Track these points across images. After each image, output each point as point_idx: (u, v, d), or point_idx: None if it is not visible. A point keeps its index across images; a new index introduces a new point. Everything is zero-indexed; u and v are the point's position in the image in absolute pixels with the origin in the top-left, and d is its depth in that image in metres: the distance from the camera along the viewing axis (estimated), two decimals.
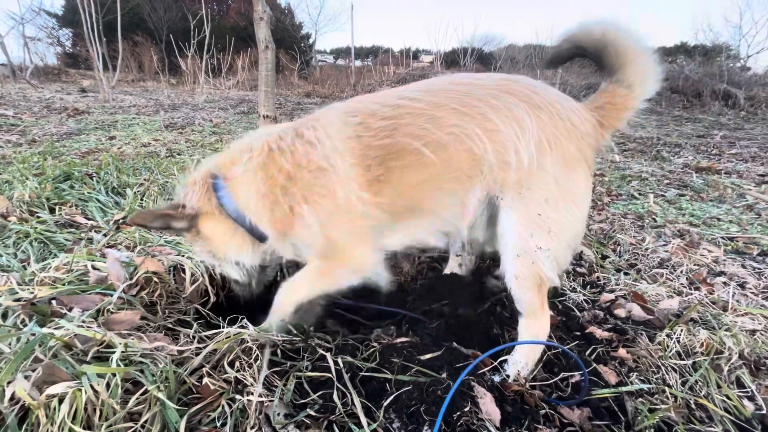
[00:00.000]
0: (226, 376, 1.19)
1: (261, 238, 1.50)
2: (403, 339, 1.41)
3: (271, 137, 1.46)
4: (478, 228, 1.46)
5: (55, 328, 1.25)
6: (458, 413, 1.12)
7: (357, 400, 1.13)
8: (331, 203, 1.36)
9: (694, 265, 2.26)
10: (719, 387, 1.36)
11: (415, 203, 1.41)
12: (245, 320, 1.42)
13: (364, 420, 1.08)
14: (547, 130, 1.32)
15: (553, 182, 1.32)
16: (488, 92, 1.34)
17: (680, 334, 1.56)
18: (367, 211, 1.36)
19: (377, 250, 1.49)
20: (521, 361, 1.39)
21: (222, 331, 1.34)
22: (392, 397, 1.16)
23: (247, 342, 1.30)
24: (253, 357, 1.25)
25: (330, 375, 1.20)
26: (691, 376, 1.41)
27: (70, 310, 1.40)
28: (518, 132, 1.29)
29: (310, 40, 28.04)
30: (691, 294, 1.95)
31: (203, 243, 1.55)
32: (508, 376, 1.37)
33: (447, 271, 2.06)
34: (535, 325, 1.40)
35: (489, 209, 1.40)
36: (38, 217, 2.36)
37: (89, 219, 2.46)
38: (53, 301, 1.45)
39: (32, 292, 1.48)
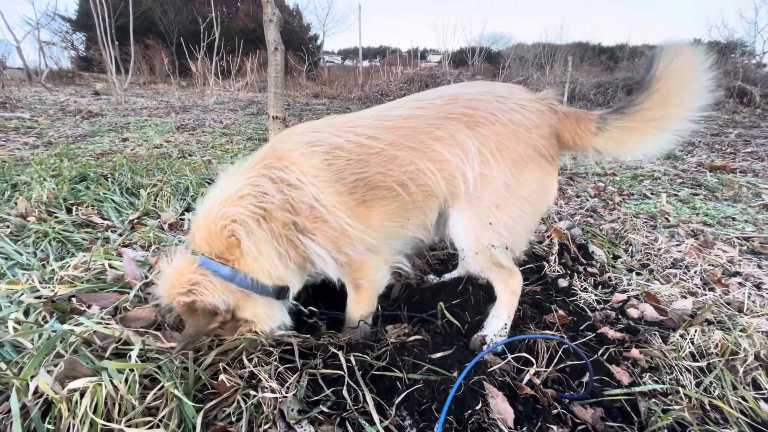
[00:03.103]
0: (241, 372, 1.21)
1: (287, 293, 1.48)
2: (415, 337, 1.41)
3: (254, 200, 1.35)
4: (437, 228, 1.60)
5: (75, 325, 1.29)
6: (469, 411, 1.12)
7: (369, 397, 1.14)
8: (330, 230, 1.39)
9: (709, 265, 2.23)
10: (734, 388, 1.35)
11: (391, 229, 1.52)
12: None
13: (376, 417, 1.09)
14: (489, 142, 1.40)
15: (503, 187, 1.42)
16: (431, 123, 1.43)
17: (694, 335, 1.55)
18: (357, 233, 1.42)
19: (386, 259, 1.56)
20: (503, 315, 1.56)
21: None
22: (404, 395, 1.17)
23: (264, 345, 1.33)
24: (273, 358, 1.28)
25: (342, 372, 1.22)
26: (705, 377, 1.39)
27: (89, 307, 1.44)
28: (463, 157, 1.40)
29: (318, 42, 28.20)
30: (706, 295, 1.92)
31: (243, 329, 1.42)
32: (484, 336, 1.53)
33: (455, 272, 2.06)
34: (511, 283, 1.57)
35: (442, 213, 1.54)
36: (56, 217, 2.42)
37: (105, 219, 2.52)
38: (73, 299, 1.49)
39: (52, 290, 1.52)
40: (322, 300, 1.78)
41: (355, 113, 1.57)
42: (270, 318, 1.44)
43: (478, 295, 1.78)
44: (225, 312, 1.33)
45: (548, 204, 1.57)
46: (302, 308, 1.58)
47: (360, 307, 1.58)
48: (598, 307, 1.86)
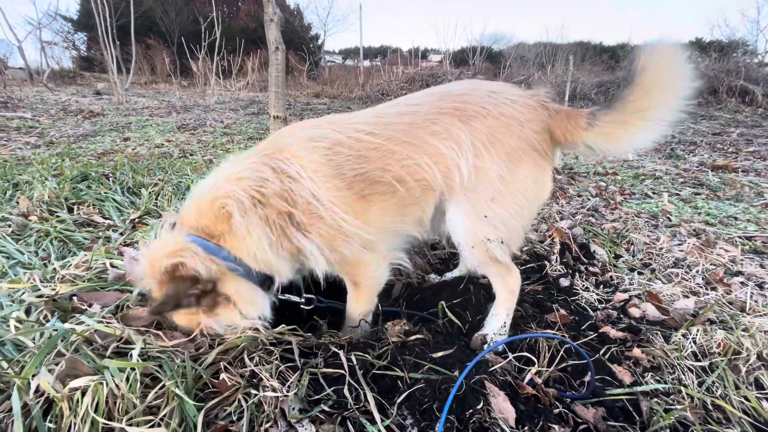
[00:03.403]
0: (242, 371, 1.21)
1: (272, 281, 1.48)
2: (416, 336, 1.41)
3: (252, 183, 1.36)
4: (434, 224, 1.61)
5: (77, 324, 1.29)
6: (471, 411, 1.12)
7: (370, 396, 1.14)
8: (325, 228, 1.39)
9: (711, 264, 2.22)
10: (737, 388, 1.34)
11: (388, 225, 1.51)
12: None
13: (377, 416, 1.09)
14: (482, 135, 1.42)
15: (498, 180, 1.43)
16: (427, 118, 1.46)
17: (696, 335, 1.54)
18: (354, 229, 1.42)
19: (384, 255, 1.56)
20: (501, 314, 1.55)
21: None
22: (405, 394, 1.17)
23: (265, 343, 1.33)
24: (274, 357, 1.27)
25: (343, 371, 1.21)
26: (707, 376, 1.39)
27: (90, 306, 1.44)
28: (457, 150, 1.42)
29: (319, 41, 28.19)
30: (708, 294, 1.91)
31: (222, 311, 1.38)
32: (485, 335, 1.52)
33: (456, 271, 2.06)
34: (509, 281, 1.57)
35: (438, 208, 1.55)
36: (57, 216, 2.42)
37: (106, 218, 2.52)
38: (74, 298, 1.49)
39: (54, 289, 1.52)
40: (320, 290, 1.77)
41: (355, 112, 1.60)
42: (252, 301, 1.41)
43: (479, 294, 1.78)
44: (206, 280, 1.30)
45: (543, 200, 1.60)
46: (294, 298, 1.57)
47: (359, 304, 1.58)
48: (599, 306, 1.86)
